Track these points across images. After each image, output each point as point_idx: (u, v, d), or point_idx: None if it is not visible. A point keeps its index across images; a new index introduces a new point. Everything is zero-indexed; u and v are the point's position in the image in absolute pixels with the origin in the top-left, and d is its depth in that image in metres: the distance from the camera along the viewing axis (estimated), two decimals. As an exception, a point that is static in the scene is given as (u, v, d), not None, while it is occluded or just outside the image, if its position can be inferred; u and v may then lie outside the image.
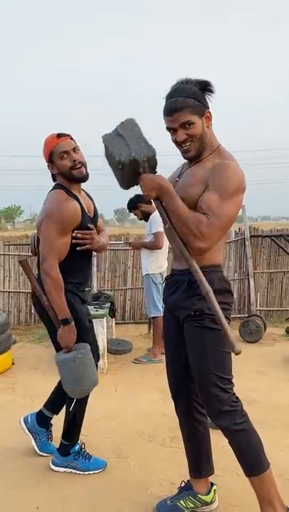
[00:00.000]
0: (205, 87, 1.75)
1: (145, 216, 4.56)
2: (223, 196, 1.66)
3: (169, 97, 1.74)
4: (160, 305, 4.46)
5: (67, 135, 2.25)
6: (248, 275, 6.34)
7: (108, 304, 4.70)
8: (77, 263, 2.30)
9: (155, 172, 1.73)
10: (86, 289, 2.66)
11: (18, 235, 15.56)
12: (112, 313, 5.01)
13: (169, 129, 1.77)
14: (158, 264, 4.52)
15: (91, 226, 2.31)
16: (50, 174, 2.33)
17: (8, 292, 6.35)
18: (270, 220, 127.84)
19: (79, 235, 2.24)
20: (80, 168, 2.23)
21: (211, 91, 1.76)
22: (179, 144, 1.77)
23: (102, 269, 6.45)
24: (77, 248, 2.25)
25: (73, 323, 2.19)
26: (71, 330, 2.18)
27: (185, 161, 1.91)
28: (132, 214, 4.76)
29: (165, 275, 4.59)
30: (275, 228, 6.91)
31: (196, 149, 1.77)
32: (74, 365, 2.18)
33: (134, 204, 4.54)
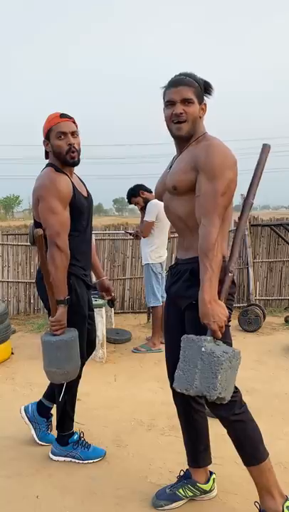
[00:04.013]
0: (207, 87, 1.85)
1: (147, 204, 4.49)
2: (211, 177, 1.70)
3: (177, 75, 1.83)
4: (159, 295, 4.46)
5: (70, 118, 2.23)
6: (247, 264, 6.33)
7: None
8: (80, 245, 2.28)
9: None
10: None
11: (16, 224, 15.51)
12: (111, 302, 4.98)
13: (168, 102, 1.81)
14: (158, 253, 4.50)
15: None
16: (44, 150, 2.30)
17: (7, 282, 6.34)
18: (270, 209, 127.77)
19: None
20: (73, 153, 2.21)
21: (209, 93, 1.87)
22: (175, 116, 1.80)
23: (101, 258, 6.42)
24: None
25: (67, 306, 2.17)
26: (65, 312, 2.17)
27: (174, 156, 1.95)
28: (131, 203, 4.71)
29: (165, 265, 4.58)
30: (274, 217, 6.88)
31: (188, 130, 1.81)
32: (64, 347, 2.14)
33: (134, 192, 4.50)
